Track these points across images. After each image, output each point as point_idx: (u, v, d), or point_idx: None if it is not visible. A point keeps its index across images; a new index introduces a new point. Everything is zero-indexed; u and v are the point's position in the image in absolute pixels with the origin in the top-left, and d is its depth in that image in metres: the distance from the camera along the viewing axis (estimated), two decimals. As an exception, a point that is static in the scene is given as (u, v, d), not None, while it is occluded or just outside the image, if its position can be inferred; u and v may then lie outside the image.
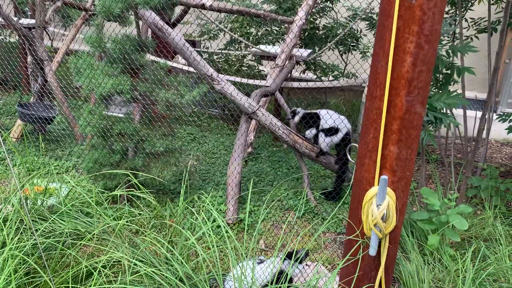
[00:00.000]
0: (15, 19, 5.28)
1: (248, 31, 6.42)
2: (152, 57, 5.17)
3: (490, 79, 3.81)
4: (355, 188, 2.11)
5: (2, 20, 5.06)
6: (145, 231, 2.87)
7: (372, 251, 2.03)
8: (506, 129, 4.25)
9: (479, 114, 4.04)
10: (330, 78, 5.99)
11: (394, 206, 1.95)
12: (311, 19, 5.89)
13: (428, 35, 1.73)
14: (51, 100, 5.35)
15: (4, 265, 2.24)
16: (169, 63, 5.21)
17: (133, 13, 3.87)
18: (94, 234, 2.63)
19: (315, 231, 3.73)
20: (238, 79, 5.25)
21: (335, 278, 2.64)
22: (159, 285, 2.45)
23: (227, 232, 2.67)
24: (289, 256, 2.77)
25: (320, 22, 6.02)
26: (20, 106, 5.19)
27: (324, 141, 4.00)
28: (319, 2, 5.81)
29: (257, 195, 4.24)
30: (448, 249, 3.07)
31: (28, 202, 2.97)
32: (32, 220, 2.74)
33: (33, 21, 5.42)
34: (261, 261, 2.92)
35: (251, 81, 5.18)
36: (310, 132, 4.14)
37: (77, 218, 2.89)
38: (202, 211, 3.81)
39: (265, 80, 4.81)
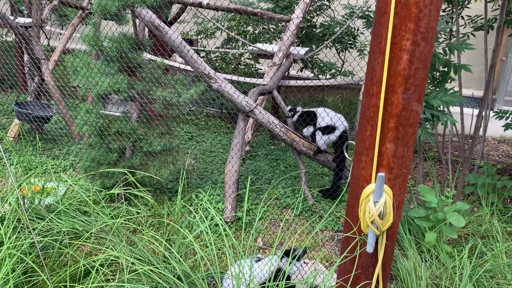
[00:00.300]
0: (12, 18, 5.26)
1: (245, 29, 6.41)
2: (149, 56, 5.16)
3: (486, 76, 3.82)
4: (352, 185, 2.11)
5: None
6: (143, 230, 2.87)
7: (370, 248, 2.04)
8: (502, 126, 4.27)
9: (476, 111, 4.05)
10: (328, 76, 5.99)
11: (391, 203, 1.95)
12: (308, 17, 5.89)
13: (424, 32, 1.73)
14: (48, 99, 5.34)
15: (1, 264, 2.24)
16: (166, 61, 5.20)
17: (129, 11, 3.86)
18: (91, 232, 2.62)
19: (313, 229, 3.74)
20: (235, 78, 5.25)
21: (333, 276, 2.64)
22: (157, 283, 2.46)
23: (225, 230, 2.67)
24: (287, 254, 2.77)
25: (317, 20, 6.02)
26: (17, 105, 5.18)
27: (322, 139, 4.01)
28: (316, 0, 5.81)
29: (255, 193, 4.25)
30: (445, 246, 3.08)
31: (26, 201, 2.96)
32: (30, 219, 2.74)
33: (29, 20, 5.40)
34: (259, 259, 2.93)
35: (248, 80, 5.18)
36: (308, 130, 4.15)
37: (74, 217, 2.89)
38: (200, 209, 3.81)
39: (262, 78, 4.81)
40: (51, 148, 5.14)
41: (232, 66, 6.34)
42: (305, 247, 2.99)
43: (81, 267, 2.45)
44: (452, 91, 2.91)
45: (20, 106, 5.20)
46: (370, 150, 1.94)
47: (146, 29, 5.28)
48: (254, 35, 6.31)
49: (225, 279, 2.79)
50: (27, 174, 3.23)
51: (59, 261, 2.65)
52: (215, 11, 5.40)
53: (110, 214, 2.95)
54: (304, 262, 3.11)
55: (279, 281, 2.38)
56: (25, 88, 6.42)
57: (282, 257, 2.77)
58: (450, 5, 4.07)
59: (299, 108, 4.30)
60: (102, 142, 3.86)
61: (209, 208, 3.40)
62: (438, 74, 3.19)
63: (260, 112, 3.93)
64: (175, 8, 6.01)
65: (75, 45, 6.16)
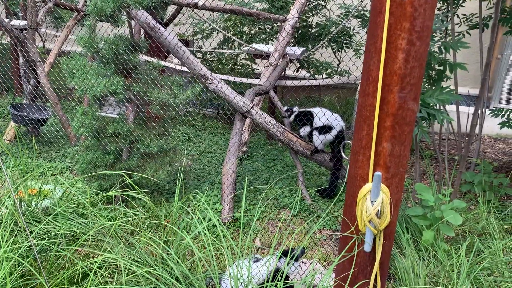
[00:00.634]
0: (7, 20, 5.24)
1: (241, 30, 6.41)
2: (145, 57, 5.15)
3: (482, 74, 3.84)
4: (349, 185, 2.11)
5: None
6: (141, 232, 2.86)
7: (367, 247, 2.04)
8: (498, 124, 4.28)
9: (472, 109, 4.06)
10: (324, 76, 6.00)
11: (388, 202, 1.96)
12: (304, 17, 5.89)
13: (419, 31, 1.74)
14: (44, 102, 5.32)
15: (-2, 267, 2.23)
16: (162, 63, 5.19)
17: (125, 13, 3.85)
18: (89, 235, 2.62)
19: (311, 228, 3.74)
20: (231, 78, 5.25)
21: (331, 275, 2.64)
22: (156, 285, 2.45)
23: (222, 231, 2.67)
24: (285, 254, 2.77)
25: (313, 20, 6.02)
26: (13, 108, 5.16)
27: (318, 139, 4.01)
28: (312, 0, 5.82)
29: (252, 194, 4.25)
30: (442, 244, 3.09)
31: (22, 204, 2.95)
32: (27, 222, 2.73)
33: (24, 22, 5.38)
34: (257, 260, 2.93)
35: (244, 80, 5.18)
36: (304, 130, 4.15)
37: (72, 219, 2.88)
38: (198, 210, 3.81)
39: (258, 78, 4.81)
40: (48, 150, 5.12)
41: (229, 67, 6.34)
42: (303, 247, 2.99)
43: (79, 269, 2.44)
44: (448, 89, 2.92)
45: (16, 108, 5.18)
46: (367, 149, 1.94)
47: (142, 31, 5.28)
48: (250, 35, 6.31)
49: (223, 280, 2.79)
50: (23, 177, 3.22)
51: (57, 264, 2.64)
52: (210, 12, 5.40)
53: (107, 216, 2.94)
54: (302, 262, 3.12)
55: (278, 281, 2.38)
56: (20, 91, 6.39)
57: (280, 257, 2.77)
58: (445, 4, 4.08)
59: (295, 108, 4.30)
60: (99, 144, 3.86)
61: (206, 209, 3.40)
62: (434, 72, 3.20)
63: (257, 112, 3.93)
64: (171, 9, 6.00)
65: (71, 47, 6.14)
